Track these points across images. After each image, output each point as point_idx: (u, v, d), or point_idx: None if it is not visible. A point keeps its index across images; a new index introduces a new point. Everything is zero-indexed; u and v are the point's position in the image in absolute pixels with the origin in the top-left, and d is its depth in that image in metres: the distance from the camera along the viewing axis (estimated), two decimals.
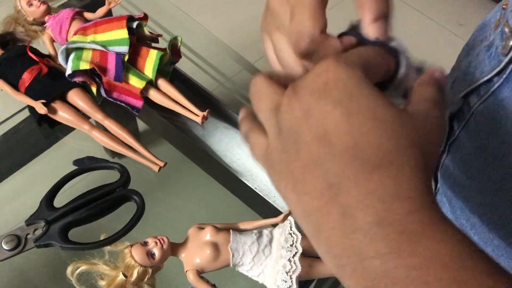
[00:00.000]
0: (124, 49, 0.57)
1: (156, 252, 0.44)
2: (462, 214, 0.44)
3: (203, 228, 0.47)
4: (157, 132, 0.71)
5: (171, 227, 0.58)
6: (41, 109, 0.55)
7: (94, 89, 0.58)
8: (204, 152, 0.61)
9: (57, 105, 0.57)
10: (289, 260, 0.44)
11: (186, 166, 0.65)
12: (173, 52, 0.61)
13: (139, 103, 0.58)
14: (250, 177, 0.58)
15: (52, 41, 0.61)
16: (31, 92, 0.57)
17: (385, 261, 0.21)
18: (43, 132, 0.61)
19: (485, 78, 0.39)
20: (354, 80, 0.24)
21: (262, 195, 0.57)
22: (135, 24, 0.58)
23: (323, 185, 0.24)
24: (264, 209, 0.58)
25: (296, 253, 0.45)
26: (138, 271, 0.44)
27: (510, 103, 0.37)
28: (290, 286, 0.44)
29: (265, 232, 0.47)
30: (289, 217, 0.47)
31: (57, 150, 0.62)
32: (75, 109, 0.58)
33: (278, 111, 0.26)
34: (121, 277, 0.44)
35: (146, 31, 0.60)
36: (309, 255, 0.46)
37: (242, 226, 0.48)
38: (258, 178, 0.58)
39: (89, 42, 0.57)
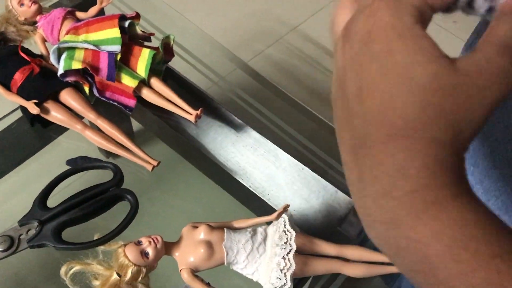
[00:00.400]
0: (116, 48, 0.56)
1: (150, 251, 0.44)
2: None
3: (197, 227, 0.47)
4: (151, 131, 0.71)
5: (165, 225, 0.58)
6: (33, 109, 0.55)
7: (86, 89, 0.58)
8: (198, 151, 0.61)
9: (49, 105, 0.57)
10: (283, 258, 0.44)
11: (180, 164, 0.65)
12: (165, 51, 0.61)
13: (132, 102, 0.58)
14: (244, 175, 0.58)
15: (44, 40, 0.61)
16: (23, 92, 0.56)
17: (387, 229, 0.22)
18: (36, 132, 0.61)
19: None
20: (397, 29, 0.22)
21: (256, 193, 0.57)
22: (127, 23, 0.58)
23: (350, 142, 0.24)
24: (258, 207, 0.58)
25: (290, 250, 0.45)
26: (132, 271, 0.44)
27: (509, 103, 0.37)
28: (284, 283, 0.44)
29: (259, 230, 0.47)
30: (283, 215, 0.47)
31: (50, 150, 0.62)
32: (67, 109, 0.57)
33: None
34: (115, 276, 0.44)
35: (138, 30, 0.60)
36: (303, 253, 0.47)
37: (237, 224, 0.48)
38: (252, 177, 0.58)
39: (81, 42, 0.57)
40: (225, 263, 0.45)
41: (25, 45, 0.60)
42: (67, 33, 0.58)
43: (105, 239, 0.49)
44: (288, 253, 0.45)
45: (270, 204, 0.56)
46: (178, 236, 0.48)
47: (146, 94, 0.58)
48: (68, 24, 0.59)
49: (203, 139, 0.61)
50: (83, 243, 0.50)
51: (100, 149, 0.59)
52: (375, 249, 0.48)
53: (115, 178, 0.53)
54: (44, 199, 0.52)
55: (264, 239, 0.47)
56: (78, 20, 0.60)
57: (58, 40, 0.59)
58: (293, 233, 0.46)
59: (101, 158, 0.58)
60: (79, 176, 0.55)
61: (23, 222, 0.50)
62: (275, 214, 0.47)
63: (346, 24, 0.24)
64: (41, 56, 0.61)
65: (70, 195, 0.52)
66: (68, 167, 0.55)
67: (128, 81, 0.57)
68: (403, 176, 0.21)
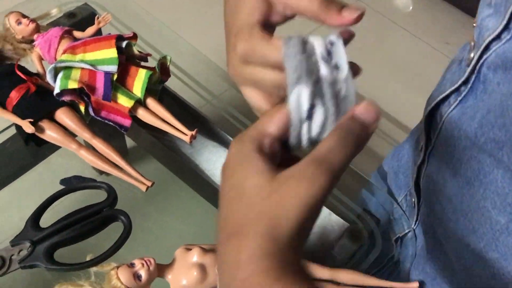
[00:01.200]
0: (113, 68, 0.57)
1: (143, 274, 0.44)
2: (444, 217, 0.46)
3: (190, 249, 0.47)
4: (145, 150, 0.71)
5: (159, 246, 0.58)
6: (28, 128, 0.55)
7: (82, 108, 0.58)
8: (193, 171, 0.61)
9: (44, 124, 0.57)
10: None
11: (174, 184, 0.65)
12: (162, 71, 0.62)
13: (127, 122, 0.58)
14: None
15: (41, 59, 0.61)
16: (19, 110, 0.56)
17: None
18: (30, 150, 0.61)
19: (453, 88, 0.42)
20: (239, 157, 0.28)
21: None
22: (124, 44, 0.59)
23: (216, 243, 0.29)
24: None
25: None
26: None
27: (473, 110, 0.40)
28: None
29: None
30: None
31: (43, 168, 0.62)
32: (62, 128, 0.58)
33: None
34: None
35: (135, 50, 0.60)
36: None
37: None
38: None
39: (77, 61, 0.57)
40: (218, 287, 0.45)
41: (22, 63, 0.60)
42: (64, 52, 0.58)
43: (97, 261, 0.49)
44: None
45: None
46: (171, 255, 0.48)
47: (141, 114, 0.59)
48: (65, 43, 0.59)
49: (198, 158, 0.62)
50: (75, 264, 0.49)
51: (93, 167, 0.59)
52: (368, 273, 0.48)
53: (108, 199, 0.53)
54: (37, 219, 0.52)
55: None
56: (76, 39, 0.60)
57: (55, 59, 0.59)
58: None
59: (94, 176, 0.59)
60: (72, 195, 0.55)
61: (15, 242, 0.50)
62: None
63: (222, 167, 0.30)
64: (37, 74, 0.61)
65: (62, 214, 0.52)
66: (61, 186, 0.55)
67: (124, 101, 0.57)
68: (238, 267, 0.26)
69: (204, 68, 0.74)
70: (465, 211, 0.42)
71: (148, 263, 0.45)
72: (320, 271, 0.48)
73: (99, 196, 0.54)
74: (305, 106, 0.28)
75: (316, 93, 0.28)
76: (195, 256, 0.46)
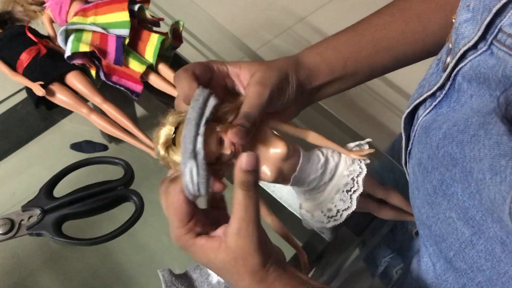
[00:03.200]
0: (125, 32, 0.56)
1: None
2: (420, 220, 0.45)
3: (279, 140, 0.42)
4: (155, 118, 0.70)
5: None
6: (39, 91, 0.54)
7: (93, 72, 0.57)
8: None
9: (55, 87, 0.56)
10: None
11: None
12: (174, 36, 0.60)
13: (138, 88, 0.57)
14: None
15: (52, 22, 0.60)
16: (29, 73, 0.56)
17: None
18: (41, 114, 0.60)
19: (429, 92, 0.40)
20: (192, 251, 0.36)
21: (260, 185, 0.56)
22: (136, 7, 0.57)
23: None
24: (263, 199, 0.57)
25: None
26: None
27: (443, 119, 0.38)
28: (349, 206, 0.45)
29: (330, 167, 0.45)
30: (363, 165, 0.45)
31: (54, 132, 0.61)
32: (73, 92, 0.57)
33: None
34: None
35: (148, 14, 0.59)
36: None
37: (312, 140, 0.44)
38: None
39: (89, 24, 0.56)
40: (296, 171, 0.43)
41: (32, 26, 0.59)
42: (75, 14, 0.57)
43: (104, 239, 0.49)
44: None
45: (274, 196, 0.56)
46: None
47: (153, 80, 0.58)
48: (76, 6, 0.58)
49: None
50: (80, 239, 0.49)
51: (103, 134, 0.58)
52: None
53: (125, 177, 0.52)
54: (51, 188, 0.51)
55: (330, 179, 0.45)
56: (87, 1, 0.59)
57: (66, 21, 0.58)
58: (360, 189, 0.44)
59: (104, 142, 0.58)
60: (89, 167, 0.55)
61: (26, 207, 0.50)
62: (355, 154, 0.44)
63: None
64: (48, 37, 0.60)
65: (77, 185, 0.51)
66: (72, 151, 0.55)
67: (136, 66, 0.56)
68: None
69: (218, 36, 0.73)
70: (434, 218, 0.40)
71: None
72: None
73: (115, 171, 0.54)
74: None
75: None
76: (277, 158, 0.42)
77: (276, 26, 1.65)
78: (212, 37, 0.71)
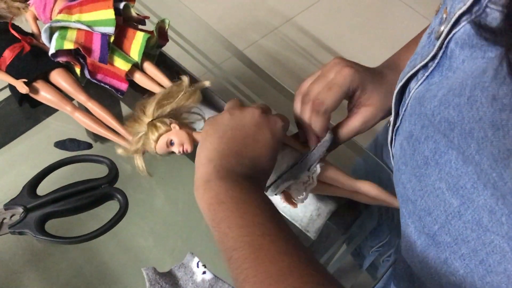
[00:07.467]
0: (110, 29, 0.55)
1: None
2: (405, 197, 0.45)
3: None
4: None
5: (153, 213, 0.57)
6: (22, 88, 0.54)
7: (78, 70, 0.57)
8: None
9: (39, 85, 0.55)
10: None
11: None
12: (160, 35, 0.60)
13: (124, 86, 0.57)
14: None
15: (36, 19, 0.60)
16: (13, 70, 0.55)
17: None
18: (24, 112, 0.60)
19: (422, 63, 0.40)
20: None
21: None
22: (122, 5, 0.57)
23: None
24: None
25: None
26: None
27: (436, 88, 0.38)
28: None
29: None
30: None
31: (38, 131, 0.61)
32: (57, 90, 0.56)
33: None
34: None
35: (133, 12, 0.59)
36: None
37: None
38: None
39: (74, 22, 0.55)
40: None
41: (16, 23, 0.59)
42: (60, 12, 0.56)
43: (87, 237, 0.48)
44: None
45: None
46: (167, 224, 0.47)
47: (138, 78, 0.57)
48: (61, 3, 0.57)
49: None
50: (63, 238, 0.49)
51: (88, 132, 0.58)
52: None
53: (109, 175, 0.52)
54: (34, 186, 0.51)
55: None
56: None
57: (50, 19, 0.58)
58: (318, 171, 0.49)
59: (88, 141, 0.58)
60: (73, 165, 0.54)
61: (8, 206, 0.49)
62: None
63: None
64: (32, 34, 0.59)
65: (60, 184, 0.51)
66: (57, 150, 0.54)
67: (121, 64, 0.56)
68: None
69: (205, 36, 0.72)
70: (422, 191, 0.41)
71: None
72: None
73: (100, 170, 0.53)
74: None
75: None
76: None
77: (263, 26, 1.65)
78: (199, 36, 0.71)
